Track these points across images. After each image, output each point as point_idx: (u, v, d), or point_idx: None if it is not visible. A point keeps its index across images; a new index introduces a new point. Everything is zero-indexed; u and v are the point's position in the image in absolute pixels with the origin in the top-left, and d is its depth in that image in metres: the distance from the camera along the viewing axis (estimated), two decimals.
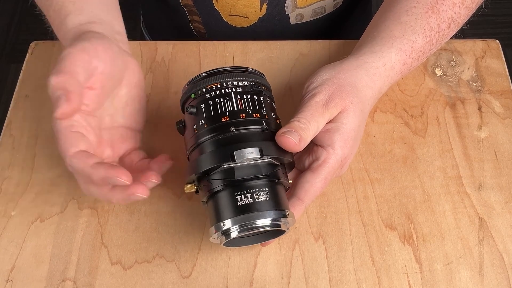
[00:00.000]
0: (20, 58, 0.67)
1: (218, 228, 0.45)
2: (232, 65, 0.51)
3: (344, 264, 0.52)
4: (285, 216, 0.45)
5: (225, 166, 0.45)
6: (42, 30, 0.61)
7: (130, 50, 0.56)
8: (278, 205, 0.45)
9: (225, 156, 0.45)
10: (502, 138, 0.59)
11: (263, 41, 0.66)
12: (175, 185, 0.56)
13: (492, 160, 0.58)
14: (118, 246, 0.53)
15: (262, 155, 0.45)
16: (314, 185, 0.49)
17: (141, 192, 0.45)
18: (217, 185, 0.46)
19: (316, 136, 0.49)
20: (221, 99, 0.47)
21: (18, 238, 0.53)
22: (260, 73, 0.51)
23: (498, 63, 0.64)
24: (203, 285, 0.51)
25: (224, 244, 0.46)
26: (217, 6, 0.70)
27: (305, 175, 0.49)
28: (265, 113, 0.48)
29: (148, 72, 0.64)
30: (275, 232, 0.47)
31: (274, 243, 0.53)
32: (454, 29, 0.58)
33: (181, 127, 0.49)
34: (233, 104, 0.47)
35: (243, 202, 0.44)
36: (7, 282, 0.51)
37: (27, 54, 0.66)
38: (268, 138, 0.47)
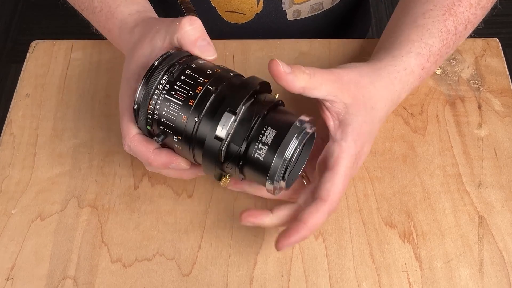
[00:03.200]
0: (20, 58, 0.67)
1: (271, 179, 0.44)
2: None
3: (344, 262, 0.52)
4: (302, 122, 0.44)
5: (222, 148, 0.44)
6: (42, 30, 0.62)
7: None
8: (287, 124, 0.44)
9: (214, 143, 0.44)
10: (502, 136, 0.59)
11: (263, 40, 0.66)
12: (175, 184, 0.56)
13: (492, 158, 0.58)
14: (118, 244, 0.53)
15: (235, 113, 0.43)
16: (335, 183, 0.46)
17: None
18: (235, 164, 0.45)
19: (329, 130, 0.48)
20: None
21: (18, 237, 0.53)
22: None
23: (497, 61, 0.64)
24: (203, 283, 0.51)
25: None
26: (213, 2, 0.70)
27: (324, 175, 0.47)
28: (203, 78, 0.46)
29: None
30: (309, 138, 0.47)
31: (274, 241, 0.53)
32: (470, 30, 0.56)
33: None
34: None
35: (262, 152, 0.44)
36: (7, 280, 0.51)
37: (27, 54, 0.66)
38: (228, 89, 0.45)
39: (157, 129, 0.47)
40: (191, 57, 0.48)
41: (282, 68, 0.44)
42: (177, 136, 0.46)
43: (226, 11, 0.71)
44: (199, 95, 0.45)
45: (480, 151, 0.58)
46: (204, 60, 0.48)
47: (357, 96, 0.48)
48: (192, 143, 0.45)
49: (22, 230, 0.54)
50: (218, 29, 0.73)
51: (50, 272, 0.51)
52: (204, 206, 0.55)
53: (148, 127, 0.48)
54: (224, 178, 0.47)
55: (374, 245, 0.53)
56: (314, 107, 0.49)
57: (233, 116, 0.43)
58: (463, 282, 0.51)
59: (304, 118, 0.45)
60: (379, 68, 0.51)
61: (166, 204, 0.55)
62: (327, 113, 0.48)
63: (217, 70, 0.46)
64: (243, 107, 0.44)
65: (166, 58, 0.47)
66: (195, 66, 0.46)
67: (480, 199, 0.55)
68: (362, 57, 0.65)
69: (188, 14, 0.74)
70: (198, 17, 0.74)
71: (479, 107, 0.61)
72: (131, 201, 0.55)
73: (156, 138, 0.47)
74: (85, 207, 0.55)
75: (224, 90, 0.45)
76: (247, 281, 0.51)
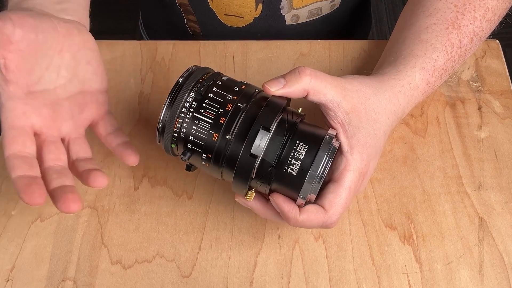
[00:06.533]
0: None
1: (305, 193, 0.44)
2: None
3: (344, 264, 0.52)
4: (331, 137, 0.44)
5: (256, 165, 0.44)
6: None
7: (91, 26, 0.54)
8: (317, 139, 0.44)
9: (248, 160, 0.43)
10: (502, 138, 0.59)
11: (263, 41, 0.66)
12: (175, 185, 0.56)
13: (492, 160, 0.58)
14: (118, 246, 0.53)
15: (269, 130, 0.43)
16: (338, 195, 0.46)
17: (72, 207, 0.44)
18: (266, 180, 0.45)
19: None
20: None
21: (18, 238, 0.53)
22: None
23: (498, 63, 0.64)
24: (203, 284, 0.51)
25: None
26: (212, 5, 0.70)
27: (328, 186, 0.47)
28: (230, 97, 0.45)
29: (148, 71, 0.64)
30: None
31: (274, 242, 0.53)
32: (477, 43, 0.56)
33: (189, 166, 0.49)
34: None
35: (295, 167, 0.44)
36: (7, 281, 0.51)
37: None
38: (257, 106, 0.45)
39: (183, 148, 0.46)
40: (214, 74, 0.47)
41: (273, 89, 0.45)
42: (206, 155, 0.45)
43: (225, 14, 0.71)
44: (229, 113, 0.44)
45: (480, 152, 0.58)
46: (226, 76, 0.48)
47: (358, 106, 0.47)
48: (223, 161, 0.45)
49: (21, 231, 0.54)
50: (216, 32, 0.73)
51: (50, 274, 0.51)
52: (204, 208, 0.55)
53: (173, 145, 0.47)
54: (249, 192, 0.47)
55: (374, 247, 0.53)
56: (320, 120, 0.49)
57: (268, 133, 0.43)
58: (463, 284, 0.51)
59: (332, 132, 0.46)
60: (382, 81, 0.51)
61: (166, 206, 0.55)
62: (333, 123, 0.48)
63: (243, 87, 0.46)
64: (275, 124, 0.44)
65: (189, 75, 0.46)
66: (220, 83, 0.46)
67: (480, 201, 0.55)
68: (362, 57, 0.65)
69: (187, 16, 0.74)
70: (197, 20, 0.73)
71: (479, 108, 0.61)
72: (131, 202, 0.55)
73: (182, 156, 0.46)
74: (85, 208, 0.55)
75: (254, 107, 0.45)
76: (247, 282, 0.51)
